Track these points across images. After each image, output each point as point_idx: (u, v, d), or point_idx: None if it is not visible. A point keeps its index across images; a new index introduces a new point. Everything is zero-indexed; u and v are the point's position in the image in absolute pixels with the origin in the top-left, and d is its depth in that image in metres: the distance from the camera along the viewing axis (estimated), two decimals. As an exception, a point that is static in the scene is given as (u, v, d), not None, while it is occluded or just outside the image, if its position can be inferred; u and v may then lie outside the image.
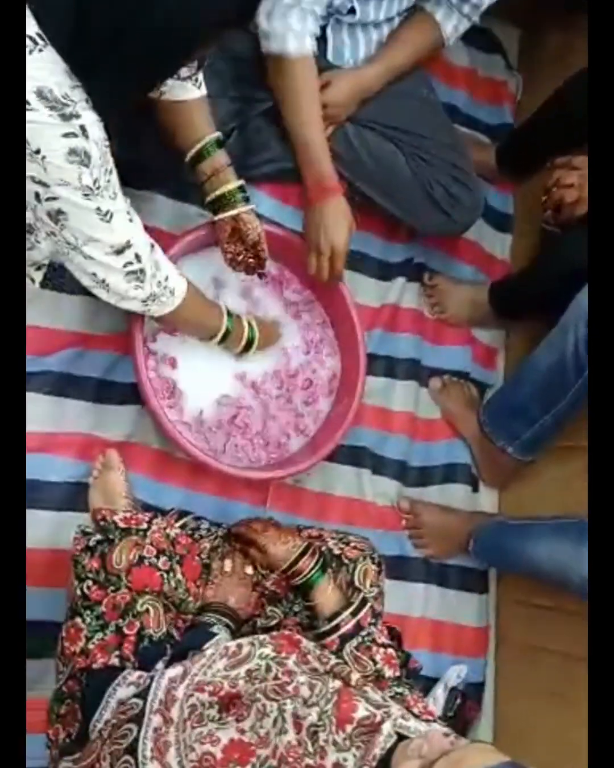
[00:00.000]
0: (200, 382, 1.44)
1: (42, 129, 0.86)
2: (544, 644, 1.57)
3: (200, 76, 1.21)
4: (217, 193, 1.30)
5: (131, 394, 1.40)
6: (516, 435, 1.59)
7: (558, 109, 1.68)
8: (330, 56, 1.48)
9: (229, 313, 1.36)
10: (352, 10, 1.43)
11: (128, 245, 1.04)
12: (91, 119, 0.90)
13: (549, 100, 1.70)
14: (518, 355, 1.78)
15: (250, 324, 1.40)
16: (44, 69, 0.85)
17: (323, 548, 1.24)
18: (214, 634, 1.12)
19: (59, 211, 0.95)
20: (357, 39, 1.48)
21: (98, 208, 0.96)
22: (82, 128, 0.89)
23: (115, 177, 0.98)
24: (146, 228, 1.47)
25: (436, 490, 1.69)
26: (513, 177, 1.91)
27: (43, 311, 1.35)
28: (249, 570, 1.25)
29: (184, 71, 1.12)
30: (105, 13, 0.85)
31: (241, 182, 1.31)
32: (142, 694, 0.95)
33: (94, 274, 1.07)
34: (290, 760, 0.83)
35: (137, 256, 1.07)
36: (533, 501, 1.67)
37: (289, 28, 1.30)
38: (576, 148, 1.66)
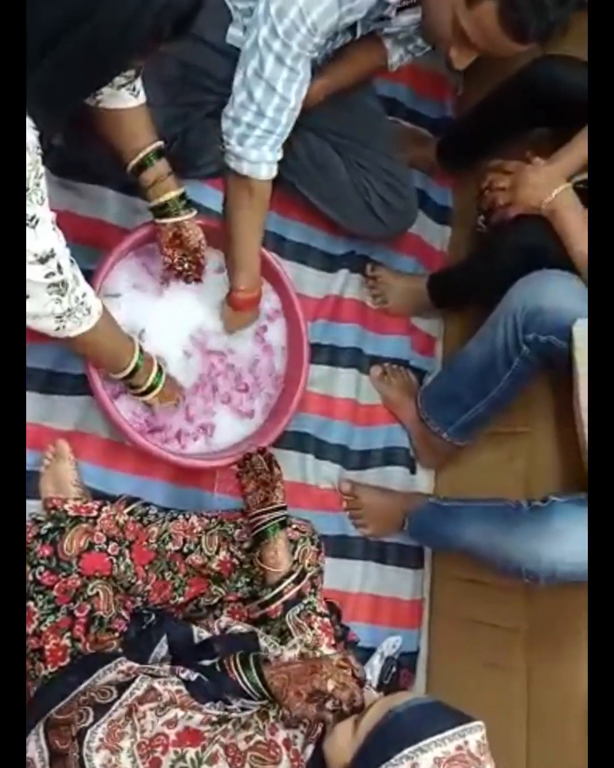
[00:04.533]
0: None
1: None
2: (478, 616, 1.63)
3: (138, 84, 1.19)
4: (159, 200, 1.30)
5: (81, 384, 1.41)
6: (451, 420, 1.65)
7: (496, 104, 1.71)
8: None
9: (141, 351, 1.31)
10: None
11: (52, 254, 0.98)
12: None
13: (488, 95, 1.73)
14: (455, 343, 1.84)
15: (159, 369, 1.36)
16: None
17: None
18: (190, 630, 1.19)
19: None
20: None
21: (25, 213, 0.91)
22: None
23: (44, 183, 0.94)
24: (94, 222, 1.52)
25: (376, 473, 1.75)
26: (453, 170, 1.95)
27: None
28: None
29: (119, 80, 1.11)
30: (37, 23, 0.83)
31: (183, 190, 1.32)
32: (122, 687, 0.97)
33: None
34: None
35: (59, 267, 1.00)
36: (467, 483, 1.73)
37: (264, 159, 1.31)
38: (514, 143, 1.73)
